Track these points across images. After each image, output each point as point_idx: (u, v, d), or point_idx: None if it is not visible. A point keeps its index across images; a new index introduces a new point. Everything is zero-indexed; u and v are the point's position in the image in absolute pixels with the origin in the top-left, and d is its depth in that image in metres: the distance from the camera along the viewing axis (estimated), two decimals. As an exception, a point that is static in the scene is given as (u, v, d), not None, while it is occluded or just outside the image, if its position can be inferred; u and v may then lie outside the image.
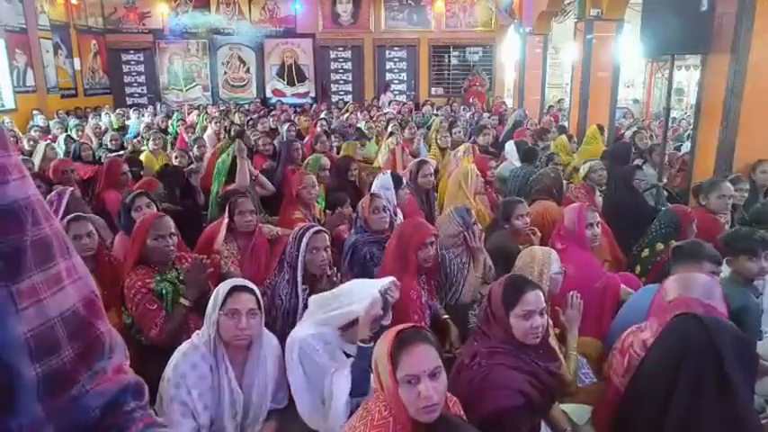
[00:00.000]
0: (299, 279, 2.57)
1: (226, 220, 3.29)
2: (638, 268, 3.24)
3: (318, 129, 7.34)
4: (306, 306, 2.58)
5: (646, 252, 3.24)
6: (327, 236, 2.69)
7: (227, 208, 3.32)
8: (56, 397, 0.63)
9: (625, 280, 2.99)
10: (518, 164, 5.36)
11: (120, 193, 4.20)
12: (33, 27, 11.30)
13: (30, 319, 0.60)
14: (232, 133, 7.09)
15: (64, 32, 12.57)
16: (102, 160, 5.73)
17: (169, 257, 2.70)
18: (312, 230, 2.64)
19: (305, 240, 2.59)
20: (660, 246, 3.14)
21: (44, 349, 0.61)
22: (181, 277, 2.68)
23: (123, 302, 2.62)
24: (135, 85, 14.94)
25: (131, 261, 2.65)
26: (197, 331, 2.13)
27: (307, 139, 6.97)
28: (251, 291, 2.10)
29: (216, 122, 8.14)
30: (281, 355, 2.25)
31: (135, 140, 7.68)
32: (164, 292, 2.60)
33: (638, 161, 5.65)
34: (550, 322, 2.11)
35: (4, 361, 0.58)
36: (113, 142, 7.07)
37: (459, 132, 6.73)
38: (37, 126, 8.82)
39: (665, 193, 5.16)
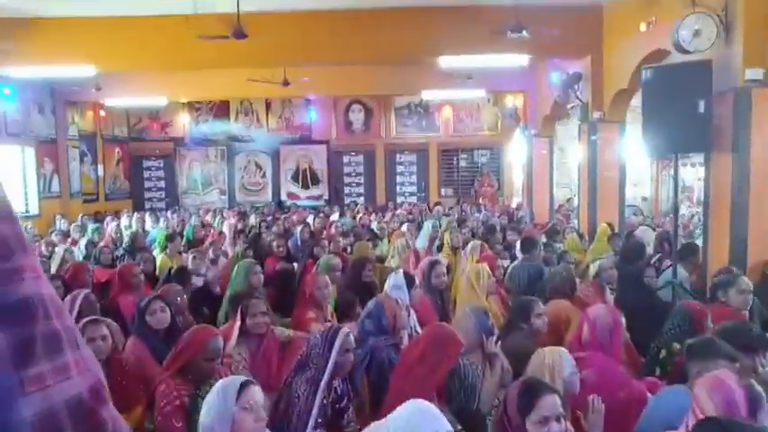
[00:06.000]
0: (326, 380, 2.51)
1: (238, 323, 3.28)
2: (657, 370, 3.13)
3: (333, 230, 7.49)
4: (322, 406, 2.50)
5: (663, 353, 3.15)
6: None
7: (239, 310, 3.32)
8: None
9: (650, 387, 2.88)
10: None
11: (134, 297, 4.24)
12: (63, 137, 11.96)
13: (35, 403, 0.66)
14: (249, 235, 7.24)
15: (90, 141, 13.24)
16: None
17: (212, 378, 2.68)
18: (344, 332, 2.62)
19: (339, 342, 2.56)
20: (676, 346, 3.05)
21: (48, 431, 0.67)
22: None
23: (150, 407, 2.58)
24: (154, 189, 15.47)
25: (171, 370, 2.63)
26: None
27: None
28: (258, 385, 2.12)
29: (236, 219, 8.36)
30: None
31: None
32: (192, 409, 2.56)
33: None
34: (571, 429, 2.02)
35: None
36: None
37: (468, 233, 6.82)
38: (58, 230, 9.06)
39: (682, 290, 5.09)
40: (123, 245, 7.20)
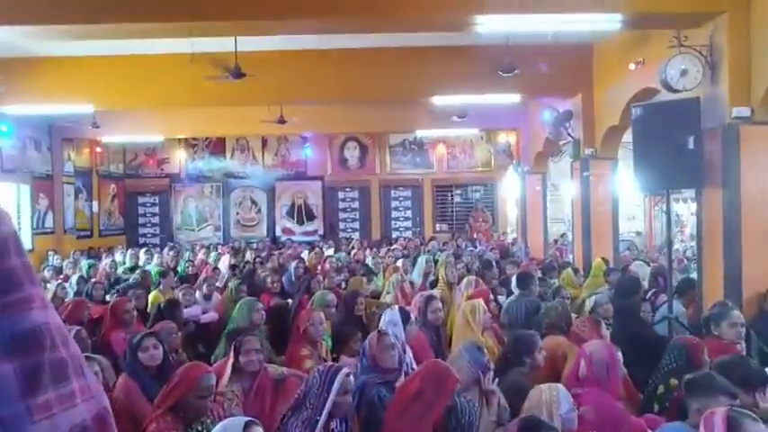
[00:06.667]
0: (323, 421, 2.44)
1: (231, 360, 3.24)
2: (655, 406, 3.10)
3: (327, 265, 7.47)
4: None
5: (661, 389, 3.12)
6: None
7: (232, 347, 3.28)
8: None
9: (650, 423, 2.84)
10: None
11: (126, 333, 4.19)
12: (59, 173, 11.98)
13: (42, 430, 0.68)
14: (243, 271, 7.22)
15: (86, 178, 13.26)
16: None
17: (203, 415, 2.65)
18: (344, 372, 2.56)
19: (338, 382, 2.50)
20: (674, 381, 3.03)
21: None
22: None
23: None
24: (149, 225, 15.42)
25: (163, 408, 2.58)
26: None
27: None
28: (260, 425, 2.12)
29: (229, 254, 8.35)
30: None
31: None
32: None
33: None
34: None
35: None
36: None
37: (463, 268, 6.82)
38: (50, 266, 9.00)
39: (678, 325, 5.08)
40: (130, 280, 7.12)
